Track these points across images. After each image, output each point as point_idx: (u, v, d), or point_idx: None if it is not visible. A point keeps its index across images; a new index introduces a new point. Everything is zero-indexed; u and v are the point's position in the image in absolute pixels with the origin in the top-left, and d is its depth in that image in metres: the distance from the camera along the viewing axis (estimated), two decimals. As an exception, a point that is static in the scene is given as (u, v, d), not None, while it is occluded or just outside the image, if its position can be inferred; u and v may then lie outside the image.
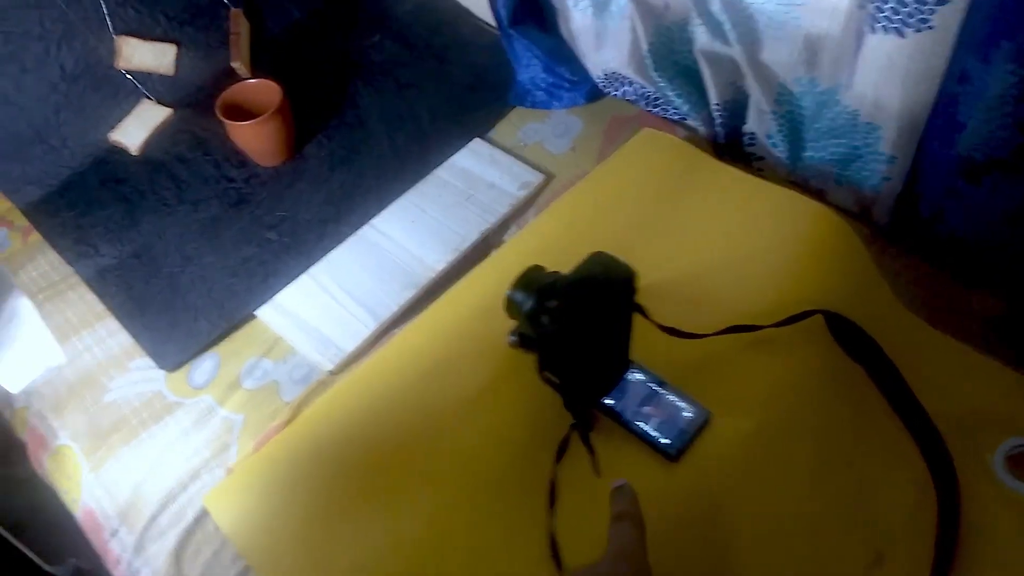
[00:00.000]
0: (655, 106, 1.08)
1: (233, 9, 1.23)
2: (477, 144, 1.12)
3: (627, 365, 0.80)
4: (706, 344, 0.78)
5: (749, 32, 0.89)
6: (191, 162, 1.14)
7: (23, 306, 0.94)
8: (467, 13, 1.28)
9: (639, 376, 0.79)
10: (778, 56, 0.90)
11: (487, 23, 1.26)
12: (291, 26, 1.29)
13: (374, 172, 1.10)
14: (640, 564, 0.49)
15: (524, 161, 1.08)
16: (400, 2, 1.30)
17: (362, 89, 1.20)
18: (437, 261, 0.99)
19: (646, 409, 0.77)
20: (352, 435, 0.83)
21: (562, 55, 1.10)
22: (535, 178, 1.06)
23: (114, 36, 1.16)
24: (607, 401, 0.78)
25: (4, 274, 0.96)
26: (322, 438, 0.83)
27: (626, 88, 1.09)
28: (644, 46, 0.97)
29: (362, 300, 0.97)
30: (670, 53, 0.98)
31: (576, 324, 0.72)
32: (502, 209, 1.04)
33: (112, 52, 1.16)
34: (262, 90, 1.09)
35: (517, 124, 1.14)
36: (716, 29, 0.91)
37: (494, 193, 1.05)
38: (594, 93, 1.13)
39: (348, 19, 1.29)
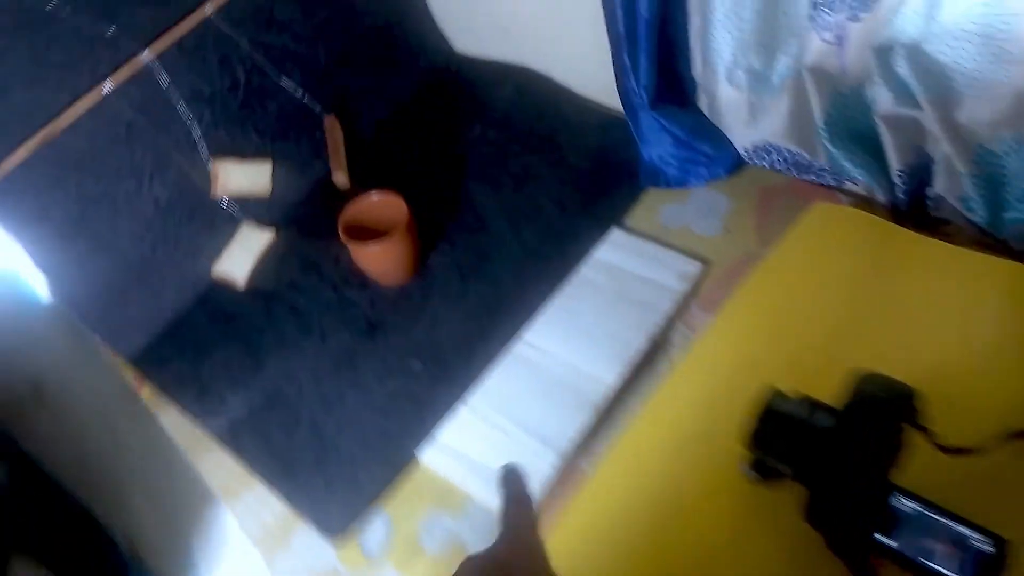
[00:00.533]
0: (808, 173, 0.99)
1: (327, 116, 1.15)
2: (617, 234, 1.02)
3: (889, 490, 0.69)
4: (977, 456, 0.68)
5: (943, 92, 0.81)
6: (306, 289, 1.05)
7: (228, 522, 0.82)
8: (568, 92, 1.20)
9: (909, 503, 0.68)
10: (978, 115, 0.81)
11: (592, 100, 1.18)
12: (382, 125, 1.21)
13: (511, 278, 1.01)
14: (535, 543, 0.48)
15: (673, 248, 0.99)
16: (495, 88, 1.22)
17: (475, 186, 1.11)
18: (608, 375, 0.89)
19: (927, 542, 0.66)
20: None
21: (702, 130, 1.01)
22: (692, 267, 0.97)
23: (209, 162, 1.07)
24: (879, 537, 0.67)
25: (207, 491, 0.84)
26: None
27: (775, 157, 1.00)
28: (817, 114, 0.88)
29: (534, 430, 0.86)
30: (844, 120, 0.89)
31: (856, 456, 0.62)
32: (665, 307, 0.94)
33: (205, 178, 1.08)
34: (382, 205, 1.00)
35: (654, 207, 1.05)
36: (902, 91, 0.83)
37: (650, 289, 0.96)
38: (734, 165, 1.04)
39: (442, 112, 1.22)
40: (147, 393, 0.99)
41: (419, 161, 1.17)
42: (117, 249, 1.05)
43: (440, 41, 1.27)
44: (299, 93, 1.13)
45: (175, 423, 0.95)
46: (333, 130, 1.14)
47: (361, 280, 1.03)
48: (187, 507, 0.78)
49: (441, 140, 1.18)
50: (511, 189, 1.10)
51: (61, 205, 0.99)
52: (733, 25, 0.85)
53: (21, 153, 0.93)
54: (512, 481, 0.53)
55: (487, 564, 0.44)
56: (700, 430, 0.79)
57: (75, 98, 0.96)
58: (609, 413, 0.88)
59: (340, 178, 1.12)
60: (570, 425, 0.86)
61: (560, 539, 0.76)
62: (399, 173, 1.14)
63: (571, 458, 0.85)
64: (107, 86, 0.97)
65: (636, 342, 0.91)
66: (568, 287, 0.99)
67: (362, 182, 1.12)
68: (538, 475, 0.83)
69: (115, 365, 0.90)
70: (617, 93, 1.01)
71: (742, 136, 0.99)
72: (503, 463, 0.55)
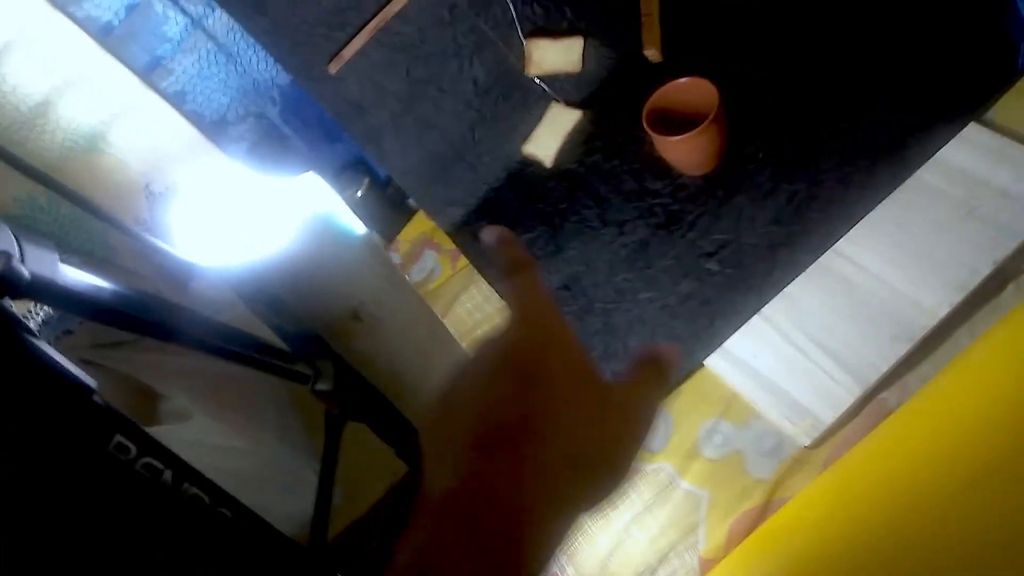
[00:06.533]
0: None
1: (641, -14, 1.08)
2: (974, 131, 0.85)
3: None
4: None
5: None
6: (609, 174, 1.04)
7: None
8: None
9: None
10: None
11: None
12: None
13: (833, 178, 0.90)
14: (555, 321, 0.34)
15: (1053, 154, 0.80)
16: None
17: (791, 62, 0.98)
18: (937, 303, 0.78)
19: None
20: (850, 549, 0.68)
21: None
22: (1075, 181, 0.78)
23: (523, 41, 1.08)
24: None
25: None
26: (809, 547, 0.70)
27: None
28: None
29: (837, 354, 0.80)
30: None
31: None
32: (1022, 227, 0.78)
33: (521, 58, 1.10)
34: (690, 90, 0.93)
35: (1034, 98, 0.84)
36: None
37: (1008, 204, 0.79)
38: None
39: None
40: (461, 265, 1.10)
41: (732, 33, 1.05)
42: (440, 128, 1.13)
43: None
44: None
45: (484, 294, 1.05)
46: (650, 2, 1.07)
47: (663, 168, 1.00)
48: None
49: (751, 6, 1.05)
50: (831, 67, 0.95)
51: (394, 87, 1.09)
52: None
53: (359, 41, 1.02)
54: (507, 243, 0.39)
55: (508, 350, 0.33)
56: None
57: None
58: (931, 345, 0.77)
59: (652, 52, 1.06)
60: (880, 355, 0.78)
61: (854, 475, 0.71)
62: (712, 48, 1.04)
63: (875, 390, 0.77)
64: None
65: (980, 268, 0.78)
66: (902, 193, 0.86)
67: (675, 57, 1.06)
68: (837, 403, 0.77)
69: (420, 294, 0.99)
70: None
71: None
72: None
